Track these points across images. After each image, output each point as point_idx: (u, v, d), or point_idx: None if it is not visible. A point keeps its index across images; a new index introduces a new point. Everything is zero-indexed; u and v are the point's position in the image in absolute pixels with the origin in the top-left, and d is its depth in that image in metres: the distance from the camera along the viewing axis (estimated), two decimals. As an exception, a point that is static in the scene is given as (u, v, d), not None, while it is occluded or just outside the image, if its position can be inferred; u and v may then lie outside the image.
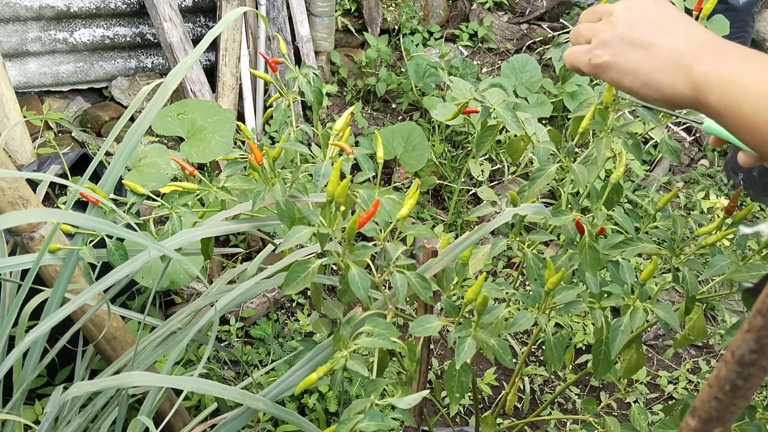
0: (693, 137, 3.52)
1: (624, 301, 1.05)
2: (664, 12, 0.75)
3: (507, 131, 2.77)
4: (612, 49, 0.75)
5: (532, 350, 2.49)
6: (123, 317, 1.50)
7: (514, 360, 1.05)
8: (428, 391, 1.01)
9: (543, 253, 1.18)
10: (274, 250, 1.36)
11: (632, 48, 0.74)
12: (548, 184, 1.14)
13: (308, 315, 2.44)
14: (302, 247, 1.19)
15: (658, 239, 1.17)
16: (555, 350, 1.07)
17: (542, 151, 1.17)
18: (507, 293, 1.10)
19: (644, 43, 0.73)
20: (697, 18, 1.03)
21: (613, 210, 1.16)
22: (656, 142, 1.14)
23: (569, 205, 1.14)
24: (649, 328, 2.57)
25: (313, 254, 1.18)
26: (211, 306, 1.24)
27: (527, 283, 2.62)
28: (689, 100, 0.70)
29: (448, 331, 1.04)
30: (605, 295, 1.08)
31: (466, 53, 3.60)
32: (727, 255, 1.07)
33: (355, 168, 1.87)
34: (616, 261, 1.12)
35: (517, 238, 1.17)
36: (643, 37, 0.73)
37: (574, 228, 1.12)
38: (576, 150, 1.15)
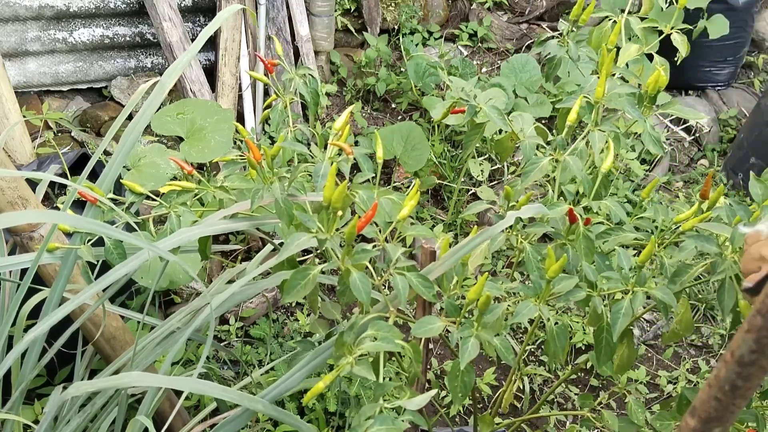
0: (693, 137, 3.52)
1: (623, 286, 1.06)
2: None
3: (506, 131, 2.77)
4: None
5: (532, 350, 2.49)
6: (122, 317, 1.50)
7: (515, 357, 1.04)
8: (436, 391, 1.01)
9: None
10: (273, 250, 1.36)
11: None
12: (545, 180, 1.15)
13: (308, 315, 2.44)
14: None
15: (638, 228, 1.18)
16: (558, 341, 1.07)
17: (529, 146, 1.17)
18: (506, 288, 1.10)
19: None
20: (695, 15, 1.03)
21: (607, 200, 1.16)
22: (655, 140, 1.14)
23: (561, 197, 1.15)
24: (648, 328, 2.57)
25: (311, 254, 1.17)
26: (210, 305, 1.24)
27: (526, 282, 2.62)
28: None
29: (448, 331, 1.04)
30: (604, 281, 1.09)
31: (465, 53, 3.60)
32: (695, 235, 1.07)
33: (355, 167, 1.86)
34: (602, 253, 1.13)
35: (515, 232, 1.18)
36: None
37: (564, 219, 1.13)
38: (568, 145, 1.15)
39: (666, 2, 1.26)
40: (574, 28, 1.21)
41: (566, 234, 1.13)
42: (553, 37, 1.26)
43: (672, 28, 1.24)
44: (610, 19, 1.25)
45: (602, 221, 1.14)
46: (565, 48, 1.18)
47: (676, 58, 1.33)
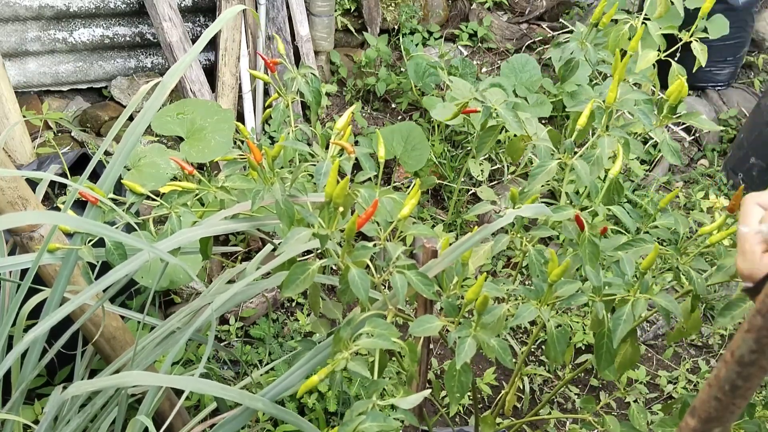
0: (693, 137, 3.52)
1: (625, 292, 1.06)
2: None
3: (506, 131, 2.77)
4: None
5: (532, 350, 2.49)
6: (122, 317, 1.50)
7: (513, 360, 1.04)
8: (429, 391, 1.01)
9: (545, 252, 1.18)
10: (273, 250, 1.36)
11: None
12: (548, 183, 1.15)
13: (308, 315, 2.44)
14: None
15: (659, 239, 1.17)
16: (558, 344, 1.07)
17: (543, 148, 1.17)
18: (507, 290, 1.10)
19: None
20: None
21: (614, 207, 1.16)
22: (656, 141, 1.14)
23: (569, 201, 1.14)
24: (648, 328, 2.57)
25: (311, 254, 1.17)
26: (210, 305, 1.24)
27: (527, 283, 2.62)
28: None
29: (447, 331, 1.04)
30: (606, 287, 1.08)
31: (465, 53, 3.60)
32: (730, 254, 1.07)
33: (356, 167, 1.86)
34: (618, 261, 1.12)
35: (519, 235, 1.17)
36: None
37: (575, 227, 1.12)
38: (576, 150, 1.15)
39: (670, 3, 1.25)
40: (594, 29, 1.19)
41: (580, 242, 1.12)
42: (555, 38, 1.25)
43: (691, 36, 1.22)
44: (626, 22, 1.24)
45: (618, 229, 1.14)
46: (584, 50, 1.18)
47: (676, 58, 1.33)
